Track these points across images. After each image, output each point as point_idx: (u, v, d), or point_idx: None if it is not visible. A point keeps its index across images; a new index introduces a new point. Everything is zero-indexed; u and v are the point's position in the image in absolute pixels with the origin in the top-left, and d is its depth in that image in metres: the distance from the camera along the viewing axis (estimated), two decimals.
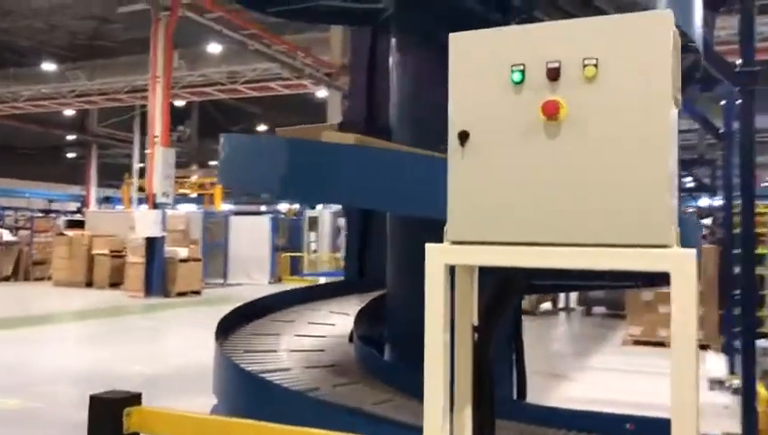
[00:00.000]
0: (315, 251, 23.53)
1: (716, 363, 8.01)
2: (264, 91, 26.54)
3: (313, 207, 26.17)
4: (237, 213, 27.07)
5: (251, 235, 21.80)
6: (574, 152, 1.81)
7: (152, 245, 17.07)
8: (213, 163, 39.34)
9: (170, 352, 10.28)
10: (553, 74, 1.83)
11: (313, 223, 23.94)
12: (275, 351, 3.74)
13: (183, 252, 17.73)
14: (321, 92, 25.95)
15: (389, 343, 3.88)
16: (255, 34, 20.59)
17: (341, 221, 25.89)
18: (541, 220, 1.84)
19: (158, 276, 17.04)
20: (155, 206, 17.06)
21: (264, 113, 35.48)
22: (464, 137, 1.93)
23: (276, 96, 27.97)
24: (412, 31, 3.78)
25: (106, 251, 19.34)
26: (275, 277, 22.46)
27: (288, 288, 5.85)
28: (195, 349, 10.22)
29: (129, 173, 29.76)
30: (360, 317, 3.95)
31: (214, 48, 21.85)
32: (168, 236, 17.48)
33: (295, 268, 23.46)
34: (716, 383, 7.65)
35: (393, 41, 3.91)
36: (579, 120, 1.82)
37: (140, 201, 27.91)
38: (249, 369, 3.28)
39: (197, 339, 11.31)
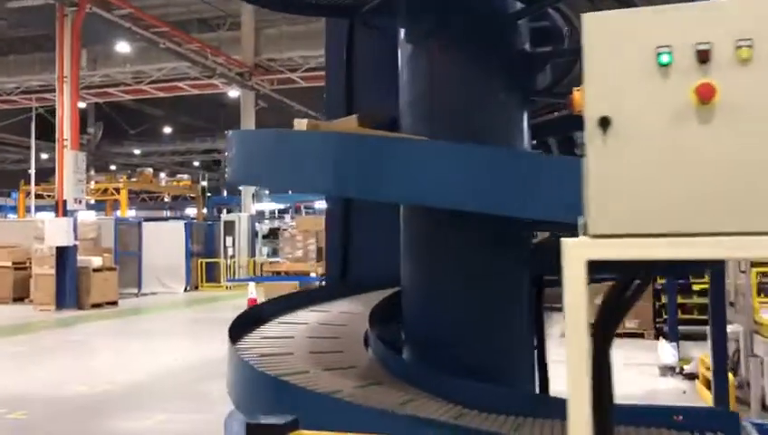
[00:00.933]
0: (233, 257, 22.92)
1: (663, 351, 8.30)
2: (173, 91, 25.64)
3: (230, 211, 25.51)
4: (148, 219, 26.00)
5: (165, 241, 20.94)
6: (730, 137, 1.74)
7: (63, 254, 16.10)
8: (113, 167, 37.72)
9: (108, 367, 9.66)
10: (704, 56, 1.75)
11: (230, 228, 23.31)
12: (291, 353, 3.53)
13: (97, 261, 16.81)
14: (234, 92, 25.32)
15: (408, 344, 3.74)
16: (166, 32, 19.84)
17: (259, 226, 25.38)
18: (695, 209, 1.75)
19: (71, 288, 16.08)
20: (65, 213, 16.10)
21: (168, 115, 34.28)
22: (605, 123, 1.82)
23: (180, 97, 27.09)
24: (424, 21, 3.65)
25: (8, 263, 18.09)
26: (191, 285, 21.71)
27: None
28: (135, 362, 9.69)
29: (26, 180, 28.02)
30: (374, 317, 3.78)
31: (122, 47, 20.85)
32: (78, 245, 16.52)
33: (211, 275, 22.76)
34: (668, 370, 7.92)
35: (402, 32, 3.76)
36: (733, 104, 1.74)
37: (39, 209, 26.35)
38: (272, 373, 3.06)
39: (134, 352, 10.81)
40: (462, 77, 3.59)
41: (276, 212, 34.34)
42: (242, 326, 3.72)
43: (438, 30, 3.61)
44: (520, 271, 3.64)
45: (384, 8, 4.59)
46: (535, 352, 3.79)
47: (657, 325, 11.13)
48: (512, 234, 3.58)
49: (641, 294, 2.23)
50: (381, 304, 3.98)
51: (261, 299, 14.82)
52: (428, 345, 3.65)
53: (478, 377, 3.34)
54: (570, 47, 3.82)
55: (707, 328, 6.39)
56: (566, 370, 1.89)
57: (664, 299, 11.40)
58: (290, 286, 14.35)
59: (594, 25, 1.87)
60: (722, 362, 5.49)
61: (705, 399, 6.48)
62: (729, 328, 6.07)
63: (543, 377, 3.88)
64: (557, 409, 3.29)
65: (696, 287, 10.88)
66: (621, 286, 2.02)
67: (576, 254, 1.85)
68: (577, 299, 1.85)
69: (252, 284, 14.94)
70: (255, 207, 25.29)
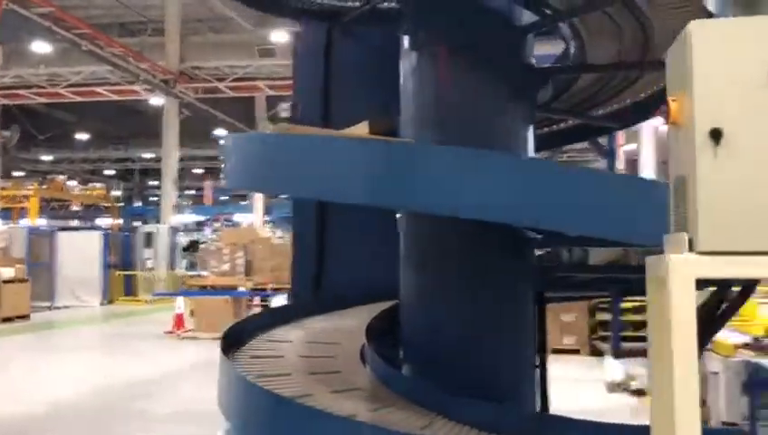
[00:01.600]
0: (152, 269, 22.04)
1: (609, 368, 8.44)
2: (90, 96, 24.58)
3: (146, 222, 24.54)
4: (63, 229, 24.71)
5: (80, 252, 19.89)
6: None
7: None
8: (19, 174, 35.77)
9: (28, 387, 8.97)
10: None
11: (149, 239, 22.44)
12: (289, 374, 3.30)
13: (8, 272, 15.78)
14: (156, 100, 24.49)
15: (409, 362, 3.58)
16: (87, 34, 18.98)
17: (179, 238, 24.53)
18: None
19: None
20: None
21: (80, 121, 32.80)
22: (717, 135, 1.74)
23: (93, 103, 25.96)
24: (432, 27, 3.53)
25: None
26: (108, 298, 20.71)
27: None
28: (57, 381, 9.05)
29: None
30: (371, 334, 3.61)
31: (40, 47, 19.82)
32: None
33: (129, 288, 21.80)
34: (616, 386, 8.05)
35: (406, 39, 3.63)
36: None
37: None
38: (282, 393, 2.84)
39: (55, 370, 10.08)
40: (467, 86, 3.50)
41: (195, 224, 33.38)
42: (229, 345, 3.47)
43: (447, 39, 3.51)
44: (525, 288, 3.56)
45: (374, 16, 4.48)
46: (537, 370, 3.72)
47: (593, 342, 11.38)
48: (518, 249, 3.51)
49: (734, 312, 2.18)
50: (376, 320, 3.81)
51: (187, 314, 14.29)
52: (430, 363, 3.51)
53: (482, 395, 3.23)
54: (579, 62, 3.79)
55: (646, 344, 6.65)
56: (669, 393, 1.79)
57: (599, 316, 11.69)
58: (220, 302, 13.90)
59: (702, 33, 1.80)
60: None
61: None
62: None
63: (544, 392, 3.80)
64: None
65: (627, 305, 11.19)
66: (716, 303, 1.95)
67: (685, 272, 1.76)
68: (686, 319, 1.75)
69: (180, 298, 14.38)
70: (176, 218, 24.44)
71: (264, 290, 14.75)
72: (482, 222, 2.92)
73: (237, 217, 33.55)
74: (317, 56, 4.95)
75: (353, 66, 4.98)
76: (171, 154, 23.73)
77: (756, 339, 8.83)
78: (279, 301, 14.07)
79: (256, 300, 15.03)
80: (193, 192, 41.15)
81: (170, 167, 23.68)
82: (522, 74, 3.56)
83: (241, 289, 15.17)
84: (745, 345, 8.67)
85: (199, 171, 38.63)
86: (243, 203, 34.49)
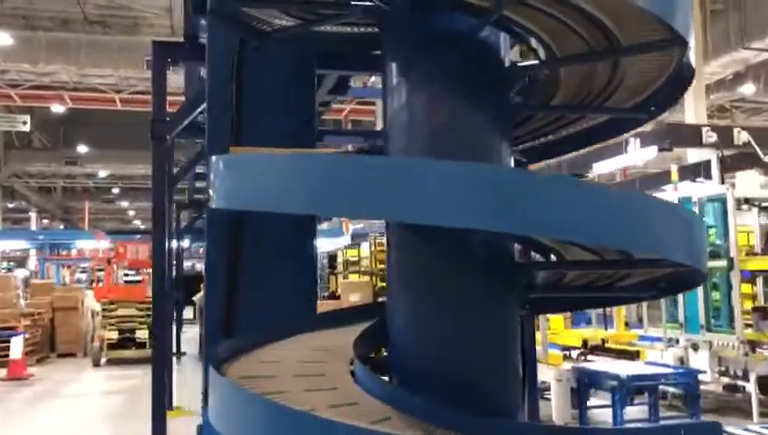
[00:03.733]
0: None
1: None
2: None
3: None
4: None
5: None
6: None
7: None
8: None
9: None
10: None
11: None
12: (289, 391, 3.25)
13: None
14: None
15: (397, 375, 3.59)
16: None
17: None
18: None
19: None
20: None
21: None
22: None
23: None
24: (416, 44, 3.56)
25: None
26: None
27: None
28: None
29: None
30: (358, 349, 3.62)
31: None
32: None
33: None
34: None
35: (390, 62, 3.64)
36: None
37: None
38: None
39: None
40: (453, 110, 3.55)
41: None
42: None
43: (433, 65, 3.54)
44: (512, 300, 3.65)
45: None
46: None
47: None
48: (505, 263, 3.59)
49: None
50: (363, 334, 3.83)
51: None
52: (419, 376, 3.54)
53: (472, 408, 3.31)
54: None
55: None
56: None
57: None
58: None
59: None
60: None
61: None
62: None
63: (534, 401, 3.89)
64: None
65: None
66: None
67: None
68: None
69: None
70: None
71: None
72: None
73: None
74: (220, 73, 4.79)
75: (262, 82, 4.87)
76: None
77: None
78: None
79: None
80: None
81: None
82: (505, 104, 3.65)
83: None
84: (566, 357, 9.67)
85: None
86: None
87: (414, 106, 3.49)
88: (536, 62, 3.51)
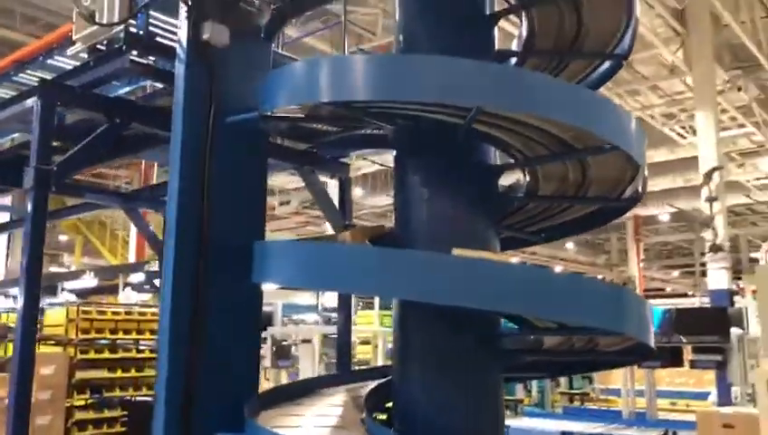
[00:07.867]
0: None
1: None
2: None
3: None
4: None
5: None
6: None
7: None
8: None
9: None
10: None
11: None
12: None
13: None
14: None
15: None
16: None
17: None
18: None
19: None
20: None
21: None
22: None
23: None
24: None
25: None
26: None
27: None
28: None
29: None
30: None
31: None
32: None
33: None
34: None
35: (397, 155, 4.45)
36: None
37: None
38: None
39: None
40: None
41: None
42: None
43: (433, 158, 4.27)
44: (496, 367, 4.31)
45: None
46: None
47: None
48: (492, 336, 4.25)
49: None
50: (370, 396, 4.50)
51: None
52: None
53: None
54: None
55: None
56: None
57: None
58: None
59: None
60: None
61: None
62: None
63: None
64: None
65: None
66: None
67: None
68: None
69: None
70: None
71: None
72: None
73: None
74: (190, 159, 4.25)
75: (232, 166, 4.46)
76: None
77: None
78: None
79: None
80: None
81: None
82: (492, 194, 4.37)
83: None
84: None
85: None
86: None
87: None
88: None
